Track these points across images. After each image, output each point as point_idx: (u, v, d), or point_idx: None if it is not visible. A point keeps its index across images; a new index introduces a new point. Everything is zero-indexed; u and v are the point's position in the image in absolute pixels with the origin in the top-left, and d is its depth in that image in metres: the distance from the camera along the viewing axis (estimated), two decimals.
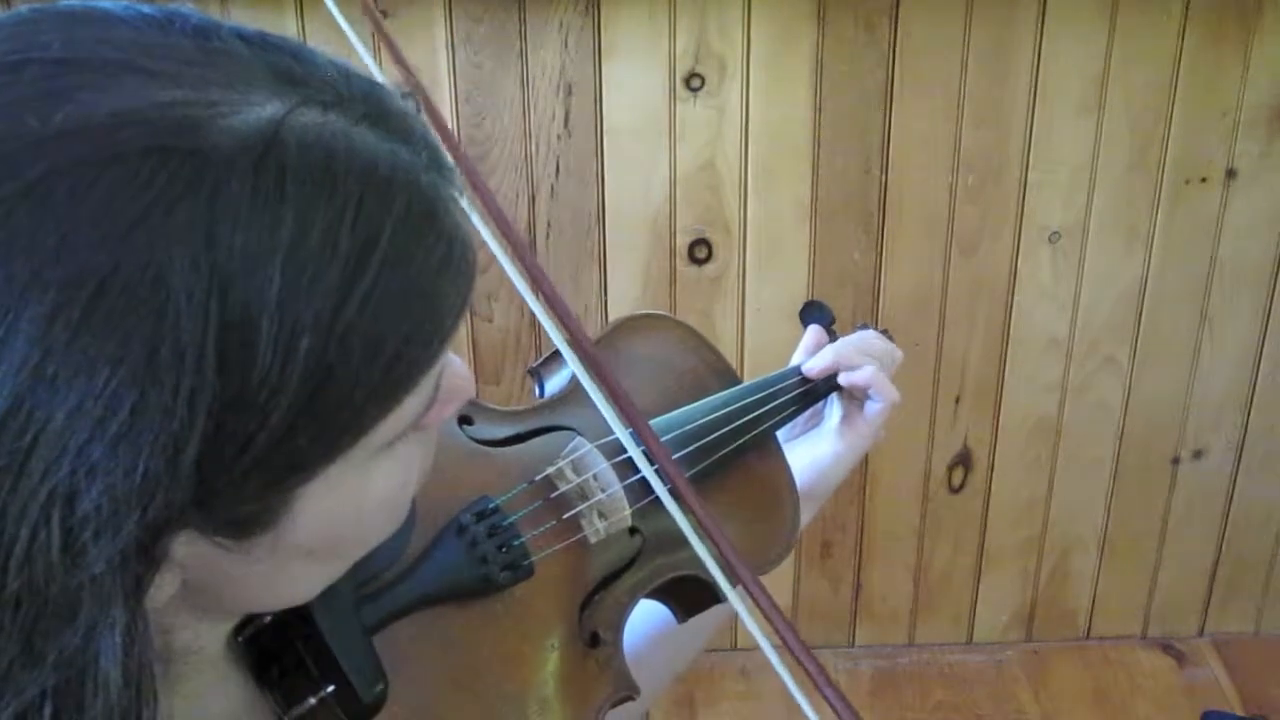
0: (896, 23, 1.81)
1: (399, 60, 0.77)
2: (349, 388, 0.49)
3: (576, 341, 0.80)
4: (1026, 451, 2.11)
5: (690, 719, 2.10)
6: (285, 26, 1.74)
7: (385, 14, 1.75)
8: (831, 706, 0.69)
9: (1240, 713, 2.12)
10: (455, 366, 0.58)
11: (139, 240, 0.44)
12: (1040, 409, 2.08)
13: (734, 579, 0.80)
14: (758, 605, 0.77)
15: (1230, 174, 1.93)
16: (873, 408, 0.99)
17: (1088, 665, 2.22)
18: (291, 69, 0.50)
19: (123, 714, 0.48)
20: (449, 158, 0.54)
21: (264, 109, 0.47)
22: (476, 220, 0.74)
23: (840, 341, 1.01)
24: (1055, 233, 1.95)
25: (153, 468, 0.45)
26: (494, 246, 0.75)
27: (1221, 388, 2.08)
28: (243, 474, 0.48)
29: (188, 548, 0.50)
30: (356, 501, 0.54)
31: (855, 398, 1.00)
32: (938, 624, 2.24)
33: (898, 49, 1.83)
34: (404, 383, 0.51)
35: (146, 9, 0.51)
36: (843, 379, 0.99)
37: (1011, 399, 2.07)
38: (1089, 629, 2.26)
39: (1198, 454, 2.13)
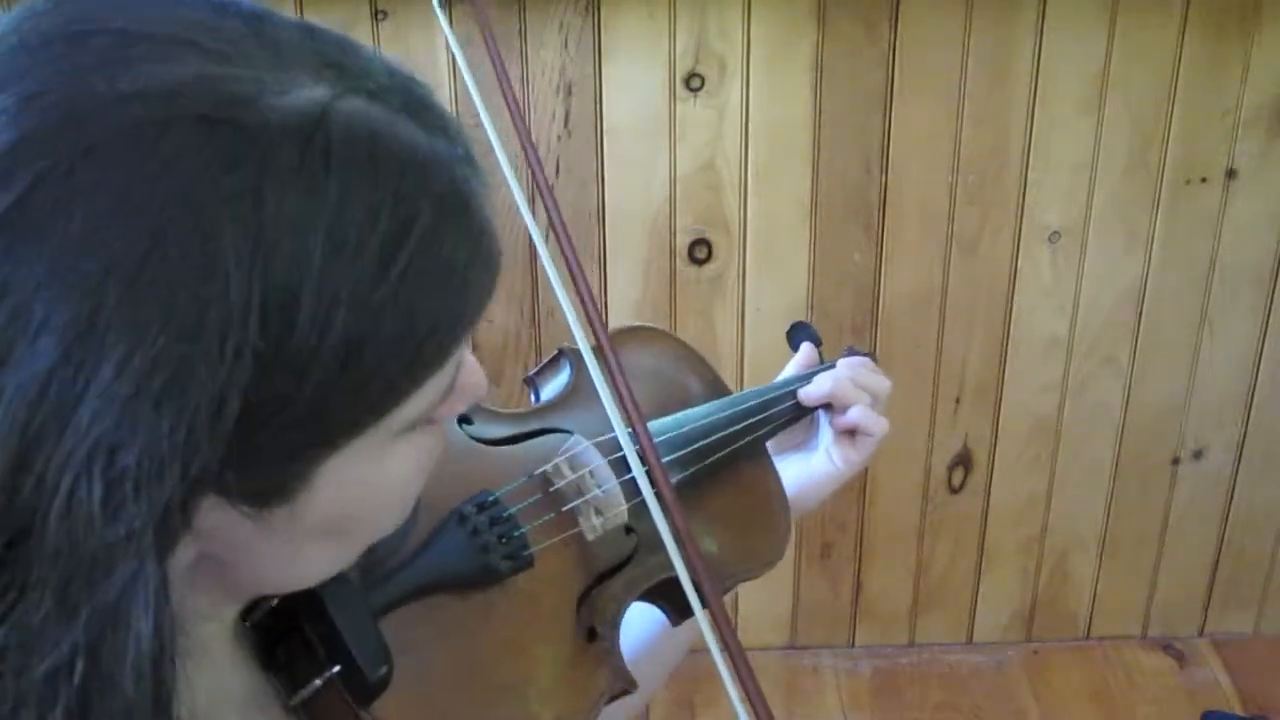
0: (896, 23, 1.81)
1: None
2: (379, 361, 0.50)
3: (594, 328, 0.81)
4: (1026, 451, 2.11)
5: (690, 719, 2.10)
6: None
7: (385, 14, 1.75)
8: None
9: (1240, 713, 2.12)
10: (470, 364, 0.61)
11: (192, 201, 0.46)
12: (1040, 409, 2.08)
13: (707, 592, 0.80)
14: (714, 622, 0.77)
15: (1230, 174, 1.93)
16: (864, 439, 1.02)
17: (1088, 665, 2.22)
18: (339, 58, 0.52)
19: (153, 670, 0.49)
20: (476, 155, 0.56)
21: (312, 92, 0.49)
22: (520, 202, 0.75)
23: (837, 371, 1.03)
24: (1055, 233, 1.95)
25: (195, 424, 0.46)
26: (532, 226, 0.76)
27: (1221, 388, 2.08)
28: (274, 436, 0.50)
29: (211, 514, 0.51)
30: (372, 483, 0.56)
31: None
32: (938, 624, 2.24)
33: (898, 49, 1.83)
34: (430, 364, 0.53)
35: None
36: (835, 423, 1.01)
37: (1011, 399, 2.07)
38: (1089, 629, 2.26)
39: (1198, 454, 2.13)
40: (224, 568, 0.56)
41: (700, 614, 0.79)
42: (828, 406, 1.02)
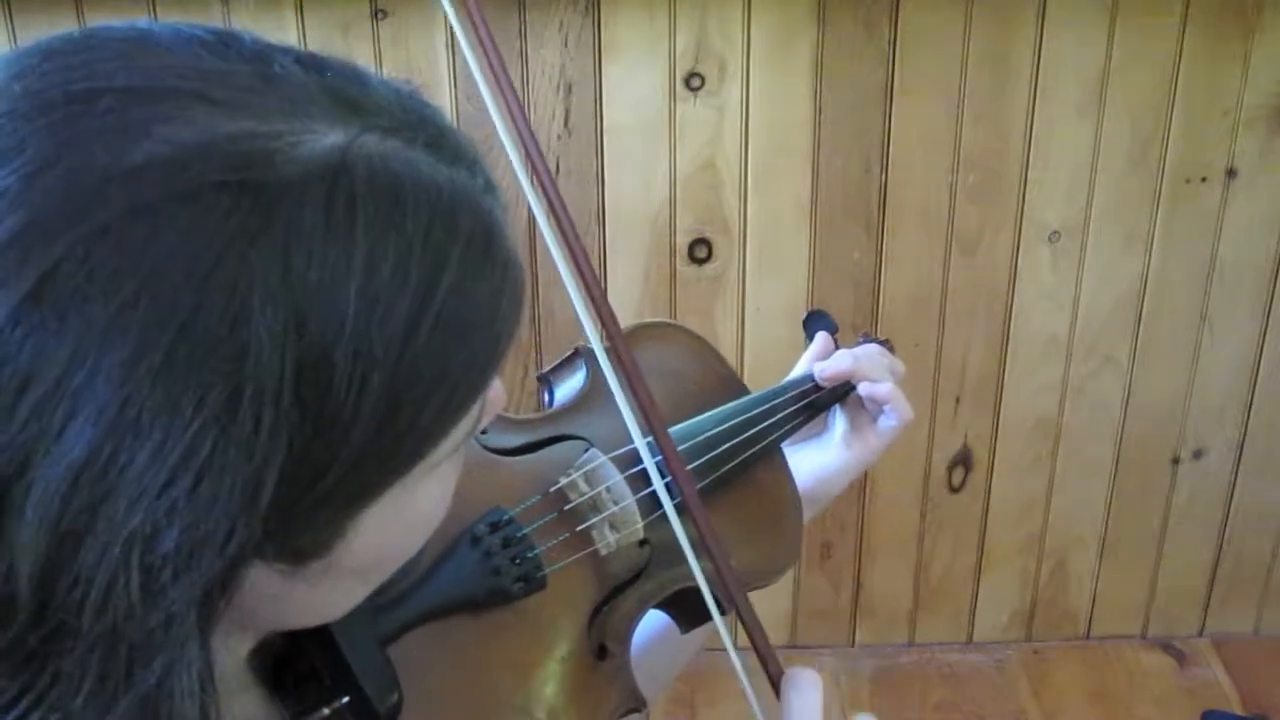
0: (896, 23, 1.81)
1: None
2: (416, 414, 0.49)
3: (615, 344, 0.78)
4: (1026, 451, 2.11)
5: (690, 719, 2.10)
6: (285, 27, 1.74)
7: (384, 14, 1.75)
8: None
9: (1240, 713, 2.12)
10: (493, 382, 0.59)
11: (219, 280, 0.43)
12: (1040, 409, 2.08)
13: (728, 604, 0.79)
14: (749, 636, 0.77)
15: (1230, 174, 1.93)
16: (886, 423, 0.98)
17: (1088, 665, 2.22)
18: (349, 93, 0.50)
19: None
20: (494, 178, 0.54)
21: (328, 137, 0.47)
22: (534, 206, 0.74)
23: (855, 350, 1.00)
24: (1055, 233, 1.95)
25: (232, 505, 0.45)
26: (549, 238, 0.74)
27: (1221, 388, 2.08)
28: (314, 503, 0.48)
29: (247, 576, 0.50)
30: (406, 521, 0.55)
31: (865, 410, 0.99)
32: (938, 624, 2.24)
33: (898, 49, 1.83)
34: (464, 406, 0.52)
35: (200, 33, 0.50)
36: (863, 389, 0.97)
37: (1011, 399, 2.07)
38: (1089, 629, 2.26)
39: (1198, 454, 2.13)
40: (248, 611, 0.54)
41: (723, 629, 0.77)
42: (844, 395, 1.00)
